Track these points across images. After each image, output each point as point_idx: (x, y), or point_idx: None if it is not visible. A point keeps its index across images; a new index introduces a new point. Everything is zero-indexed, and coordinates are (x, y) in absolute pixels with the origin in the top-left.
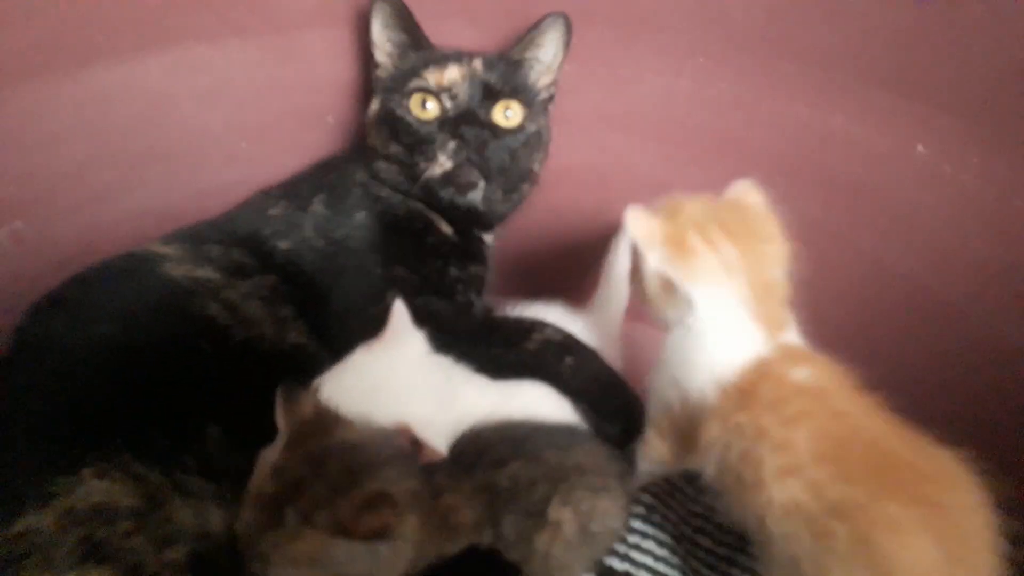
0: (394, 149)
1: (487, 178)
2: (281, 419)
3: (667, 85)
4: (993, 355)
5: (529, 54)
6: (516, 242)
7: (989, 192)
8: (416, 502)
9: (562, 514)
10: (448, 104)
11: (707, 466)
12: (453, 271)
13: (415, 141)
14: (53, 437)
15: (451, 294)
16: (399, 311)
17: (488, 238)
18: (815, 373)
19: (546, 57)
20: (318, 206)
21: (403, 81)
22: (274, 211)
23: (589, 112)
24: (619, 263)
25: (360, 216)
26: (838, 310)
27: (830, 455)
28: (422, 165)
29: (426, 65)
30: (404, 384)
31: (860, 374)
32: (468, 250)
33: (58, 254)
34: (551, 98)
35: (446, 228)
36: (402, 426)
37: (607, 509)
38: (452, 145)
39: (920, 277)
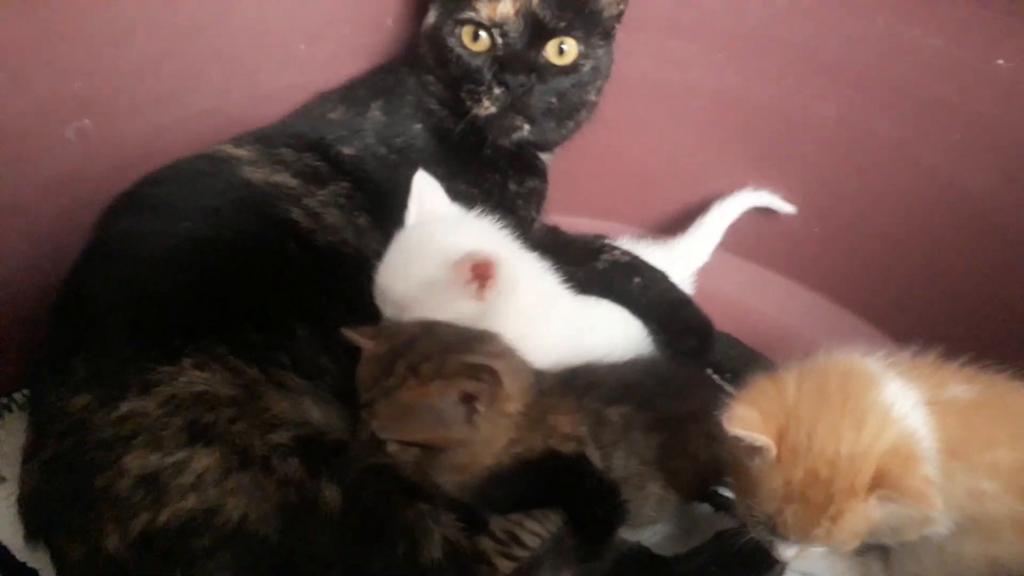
0: (443, 72)
1: (532, 122)
2: (360, 340)
3: None
4: None
5: None
6: (570, 159)
7: None
8: (520, 387)
9: (678, 463)
10: (499, 40)
11: None
12: (512, 186)
13: (463, 74)
14: (151, 328)
15: (513, 209)
16: (421, 181)
17: (545, 156)
18: None
19: None
20: (376, 112)
21: (457, 5)
22: (333, 115)
23: (654, 18)
24: (719, 222)
25: (417, 127)
26: (905, 229)
27: None
28: (468, 103)
29: None
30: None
31: (925, 295)
32: (525, 163)
33: (121, 154)
34: (619, 15)
35: (462, 127)
36: (468, 255)
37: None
38: (497, 91)
39: (993, 197)
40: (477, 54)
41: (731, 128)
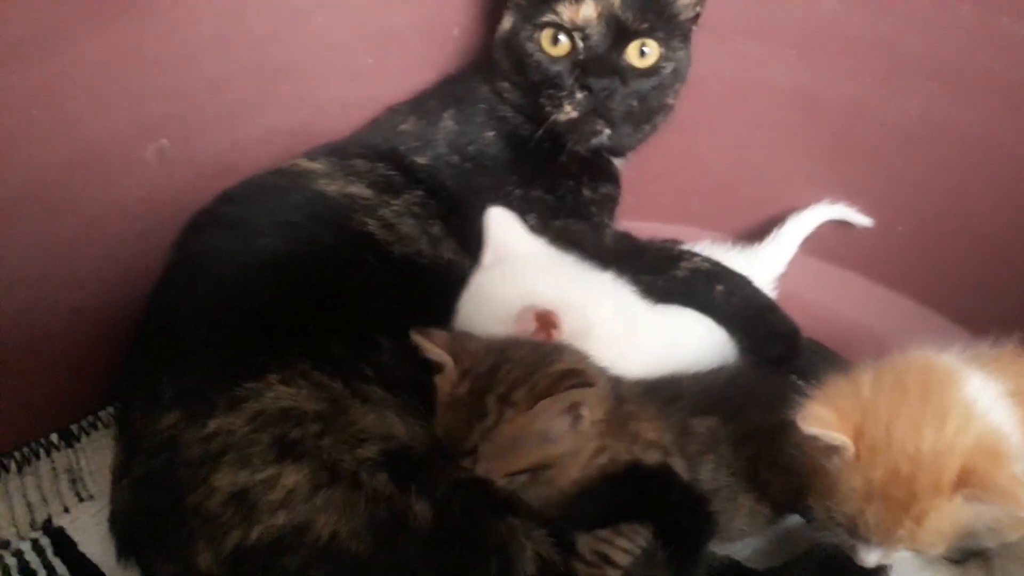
0: (519, 78)
1: (612, 126)
2: (436, 352)
3: None
4: None
5: None
6: (642, 163)
7: None
8: (599, 394)
9: (771, 474)
10: (580, 44)
11: None
12: (586, 192)
13: (542, 79)
14: (235, 345)
15: (587, 215)
16: (495, 218)
17: (618, 161)
18: None
19: None
20: (448, 121)
21: (536, 10)
22: (405, 126)
23: (725, 17)
24: (795, 234)
25: (490, 135)
26: (992, 224)
27: None
28: (548, 109)
29: None
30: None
31: (1014, 291)
32: (599, 169)
33: (197, 173)
34: (696, 17)
35: (541, 133)
36: (524, 308)
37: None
38: (579, 96)
39: None
40: (557, 58)
41: (807, 127)
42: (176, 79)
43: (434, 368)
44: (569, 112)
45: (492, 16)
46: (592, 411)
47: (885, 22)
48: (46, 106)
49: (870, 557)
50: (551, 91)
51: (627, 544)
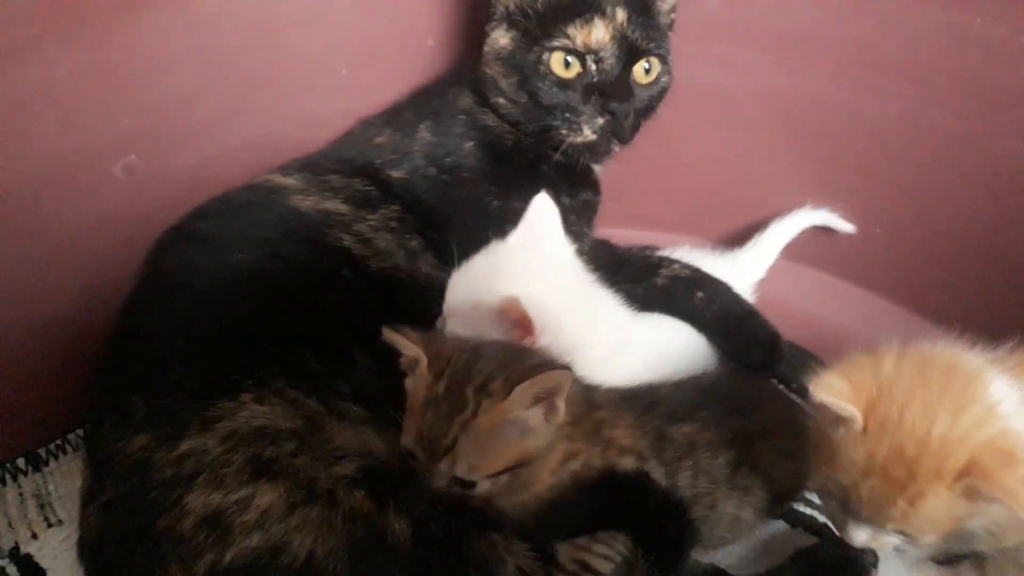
0: (523, 99)
1: (623, 142)
2: (410, 347)
3: None
4: None
5: None
6: (621, 169)
7: None
8: (572, 387)
9: (751, 480)
10: (592, 67)
11: None
12: (566, 201)
13: (554, 104)
14: (208, 363)
15: (567, 224)
16: (541, 205)
17: (598, 168)
18: None
19: None
20: (425, 133)
21: (544, 31)
22: (380, 139)
23: (700, 21)
24: (776, 240)
25: (469, 146)
26: (972, 225)
27: None
28: (563, 132)
29: (570, 18)
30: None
31: (995, 293)
32: (580, 176)
33: (168, 189)
34: (672, 23)
35: (558, 156)
36: (509, 299)
37: (796, 469)
38: (601, 121)
39: None
40: (569, 81)
41: (786, 131)
42: (146, 94)
43: (404, 371)
44: (588, 135)
45: (468, 26)
46: (565, 405)
47: (862, 24)
48: (10, 122)
49: (859, 535)
50: (567, 115)
51: (606, 551)
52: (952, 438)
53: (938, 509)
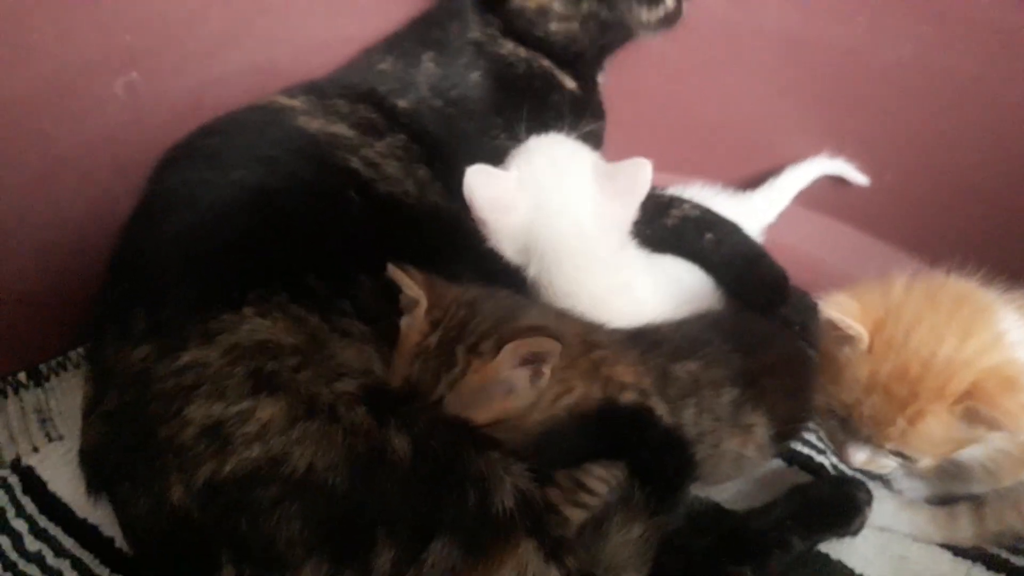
0: (586, 7)
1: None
2: (413, 289)
3: None
4: None
5: None
6: (631, 108)
7: None
8: (567, 339)
9: (754, 418)
10: None
11: None
12: (572, 131)
13: None
14: (210, 277)
15: None
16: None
17: (601, 78)
18: None
19: None
20: (429, 64)
21: None
22: (383, 66)
23: None
24: (791, 185)
25: (475, 76)
26: (984, 171)
27: None
28: (645, 13)
29: None
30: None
31: (1007, 238)
32: (589, 104)
33: (170, 109)
34: None
35: (570, 83)
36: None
37: (799, 408)
38: None
39: None
40: None
41: (797, 73)
42: (148, 11)
43: (402, 308)
44: (668, 5)
45: None
46: (554, 367)
47: None
48: (7, 34)
49: (858, 455)
50: None
51: (603, 473)
52: (957, 360)
53: (937, 430)
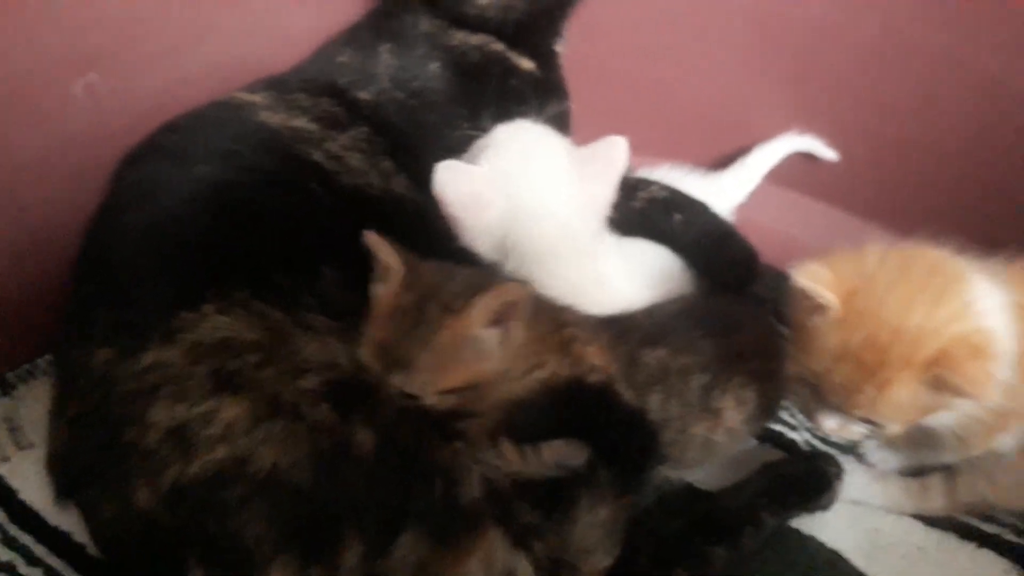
0: None
1: None
2: (391, 256)
3: None
4: None
5: None
6: (598, 88)
7: None
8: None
9: (724, 402)
10: None
11: None
12: (536, 114)
13: None
14: (170, 275)
15: None
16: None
17: (560, 47)
18: None
19: None
20: (386, 56)
21: None
22: (342, 58)
23: None
24: (761, 164)
25: (433, 67)
26: (955, 141)
27: None
28: None
29: None
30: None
31: (982, 209)
32: (549, 84)
33: (133, 111)
34: None
35: (526, 64)
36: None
37: (771, 391)
38: None
39: None
40: None
41: (765, 48)
42: (108, 9)
43: (374, 279)
44: None
45: None
46: (523, 327)
47: None
48: None
49: (828, 422)
50: None
51: (563, 446)
52: (926, 329)
53: (904, 397)
